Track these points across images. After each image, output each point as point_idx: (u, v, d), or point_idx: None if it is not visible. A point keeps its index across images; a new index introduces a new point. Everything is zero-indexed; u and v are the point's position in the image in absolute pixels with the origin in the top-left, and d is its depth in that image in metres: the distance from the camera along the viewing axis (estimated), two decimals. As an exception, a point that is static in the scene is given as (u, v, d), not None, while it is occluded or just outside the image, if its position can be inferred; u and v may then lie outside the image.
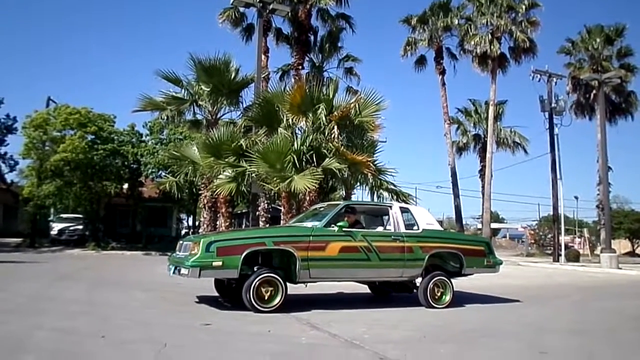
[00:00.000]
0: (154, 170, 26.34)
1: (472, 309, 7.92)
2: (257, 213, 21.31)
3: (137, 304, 6.95)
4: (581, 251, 38.96)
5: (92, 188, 26.48)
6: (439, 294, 7.76)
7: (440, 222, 44.51)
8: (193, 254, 6.46)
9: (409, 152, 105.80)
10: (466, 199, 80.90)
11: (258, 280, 6.48)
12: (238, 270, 6.43)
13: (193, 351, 4.33)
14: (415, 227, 7.89)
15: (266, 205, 19.73)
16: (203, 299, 7.35)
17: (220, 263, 6.38)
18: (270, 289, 6.57)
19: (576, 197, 47.20)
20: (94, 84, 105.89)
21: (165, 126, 22.75)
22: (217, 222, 14.72)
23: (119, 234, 32.12)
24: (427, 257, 7.65)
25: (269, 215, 22.81)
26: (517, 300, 8.84)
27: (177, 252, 7.22)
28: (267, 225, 23.21)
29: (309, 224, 7.53)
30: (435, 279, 7.74)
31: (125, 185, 29.23)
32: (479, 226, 57.39)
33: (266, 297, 6.54)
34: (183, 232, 42.56)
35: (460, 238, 8.68)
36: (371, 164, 12.13)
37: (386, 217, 8.04)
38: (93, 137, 25.78)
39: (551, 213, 30.03)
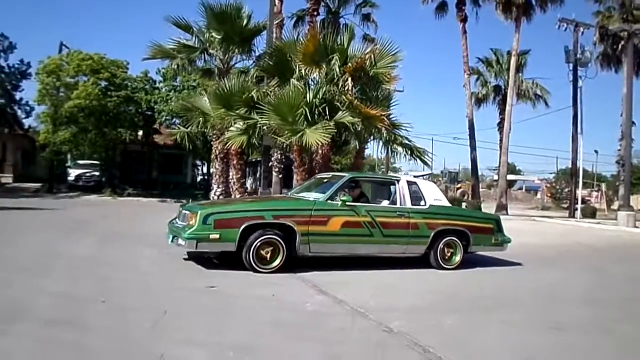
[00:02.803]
0: (167, 117, 26.23)
1: (483, 272, 7.80)
2: (270, 163, 21.24)
3: (143, 261, 6.92)
4: (597, 205, 38.49)
5: (106, 135, 26.55)
6: (449, 254, 7.72)
7: (457, 173, 44.29)
8: (190, 225, 6.37)
9: (427, 102, 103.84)
10: (483, 150, 79.68)
11: (259, 242, 6.41)
12: (236, 243, 6.35)
13: (192, 320, 4.26)
14: (422, 202, 7.68)
15: (279, 155, 19.61)
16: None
17: (217, 236, 6.29)
18: (271, 248, 6.50)
19: (596, 151, 46.26)
20: (106, 30, 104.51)
21: (178, 73, 22.41)
22: (230, 174, 14.61)
23: (135, 180, 32.42)
24: (432, 234, 7.50)
25: (282, 165, 22.77)
26: (529, 263, 8.70)
27: (177, 220, 7.13)
28: (280, 176, 23.23)
29: (311, 196, 7.33)
30: (446, 239, 7.65)
31: (140, 132, 29.27)
32: (495, 177, 56.93)
33: (267, 258, 6.48)
34: (198, 178, 42.90)
35: (468, 215, 8.42)
36: (385, 119, 11.75)
37: (393, 190, 7.82)
38: (106, 83, 25.60)
39: (569, 166, 29.53)
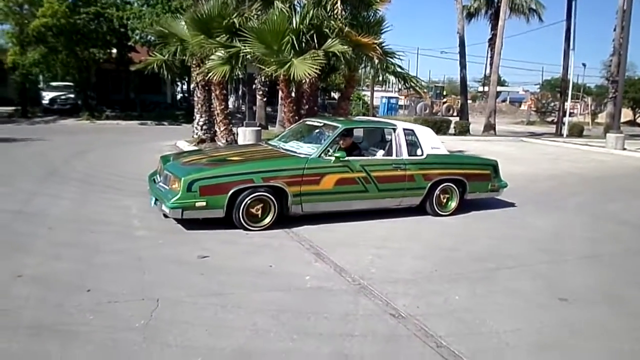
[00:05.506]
0: (142, 35, 24.78)
1: (479, 218, 7.63)
2: (254, 86, 20.35)
3: (130, 221, 6.53)
4: (582, 118, 38.55)
5: (78, 55, 25.15)
6: (444, 200, 7.56)
7: (442, 87, 43.41)
8: (174, 192, 5.92)
9: (413, 15, 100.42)
10: (469, 64, 78.15)
11: (249, 200, 6.10)
12: (224, 209, 6.01)
13: (187, 313, 3.95)
14: (419, 152, 7.34)
15: (263, 78, 18.74)
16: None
17: (204, 203, 5.90)
18: (261, 205, 6.22)
19: (584, 64, 45.16)
20: None
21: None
22: (213, 104, 13.91)
23: (113, 101, 31.25)
24: (429, 185, 7.27)
25: (266, 88, 21.86)
26: (523, 203, 8.58)
27: (158, 179, 6.66)
28: (264, 99, 22.38)
29: (302, 151, 6.88)
30: (442, 185, 7.46)
31: (114, 51, 27.82)
32: (480, 89, 56.36)
33: (259, 216, 6.22)
34: (179, 96, 41.55)
35: (466, 162, 8.10)
36: (377, 47, 11.04)
37: (388, 137, 7.41)
38: (73, -1, 23.84)
39: (554, 77, 29.09)
